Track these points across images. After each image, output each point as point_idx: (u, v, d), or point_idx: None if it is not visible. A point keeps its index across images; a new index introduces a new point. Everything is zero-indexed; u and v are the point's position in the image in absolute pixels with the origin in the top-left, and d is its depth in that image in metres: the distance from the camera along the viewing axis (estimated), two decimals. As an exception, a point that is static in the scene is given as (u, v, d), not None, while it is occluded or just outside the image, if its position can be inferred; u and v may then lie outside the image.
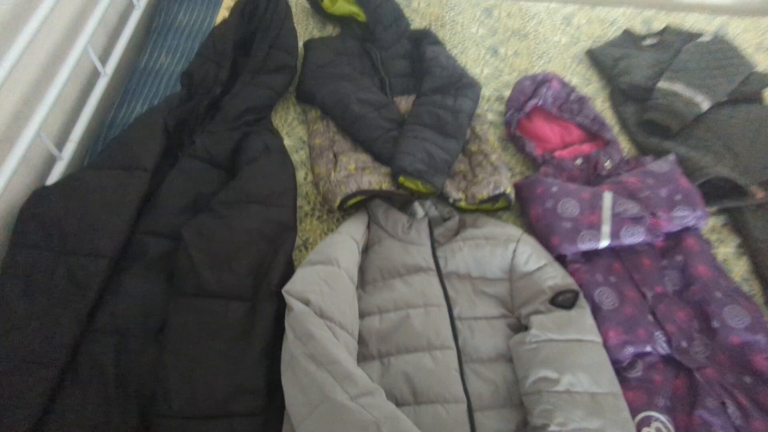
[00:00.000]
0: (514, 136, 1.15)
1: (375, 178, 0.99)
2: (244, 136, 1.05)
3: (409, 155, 1.00)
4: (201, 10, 1.38)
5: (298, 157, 1.13)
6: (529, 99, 1.18)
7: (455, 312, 0.89)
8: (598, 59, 1.36)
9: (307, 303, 0.79)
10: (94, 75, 1.15)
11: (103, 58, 1.18)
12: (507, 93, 1.28)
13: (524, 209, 1.04)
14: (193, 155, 1.01)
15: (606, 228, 0.93)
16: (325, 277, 0.83)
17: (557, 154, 1.12)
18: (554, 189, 0.99)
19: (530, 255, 0.92)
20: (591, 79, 1.34)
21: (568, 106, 1.19)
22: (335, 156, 1.07)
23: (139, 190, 0.93)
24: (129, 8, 1.30)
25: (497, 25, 1.44)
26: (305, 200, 1.06)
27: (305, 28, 1.37)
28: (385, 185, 0.99)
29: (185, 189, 0.96)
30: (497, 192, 0.99)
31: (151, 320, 0.83)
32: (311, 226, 1.03)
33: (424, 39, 1.28)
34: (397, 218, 0.98)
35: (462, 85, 1.15)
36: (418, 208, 1.02)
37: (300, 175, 1.10)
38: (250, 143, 1.03)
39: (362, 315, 0.89)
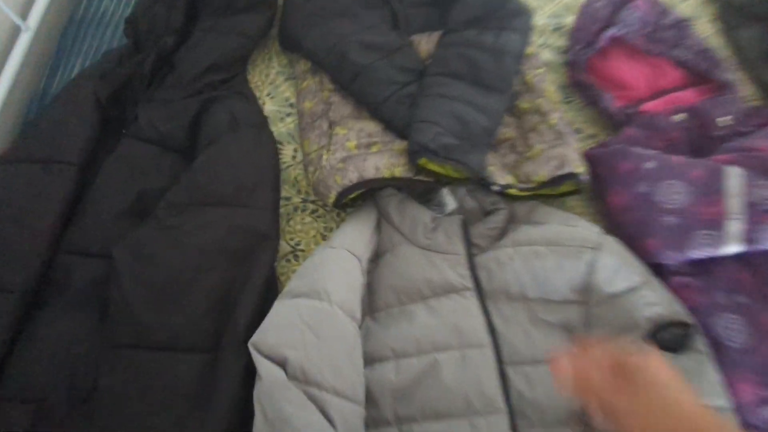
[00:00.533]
0: (582, 82, 0.81)
1: (384, 161, 0.69)
2: (205, 105, 0.77)
3: (433, 124, 0.69)
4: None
5: (284, 127, 0.84)
6: (604, 28, 0.82)
7: (505, 354, 0.62)
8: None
9: (283, 363, 0.54)
10: (14, 31, 0.88)
11: (25, 9, 0.89)
12: (569, 20, 0.92)
13: (600, 192, 0.73)
14: (136, 135, 0.74)
15: (735, 225, 0.61)
16: (309, 320, 0.57)
17: (646, 106, 0.78)
18: (649, 165, 0.67)
19: (617, 269, 0.63)
20: (689, -7, 0.95)
21: (661, 34, 0.83)
22: (330, 126, 0.78)
23: (61, 192, 0.68)
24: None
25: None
26: (293, 189, 0.78)
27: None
28: (399, 170, 0.69)
29: (125, 185, 0.70)
30: (563, 172, 0.68)
31: (78, 380, 0.60)
32: (303, 224, 0.76)
33: None
34: (416, 215, 0.69)
35: (506, 13, 0.80)
36: (448, 198, 0.73)
37: (287, 152, 0.81)
38: (211, 116, 0.75)
39: (372, 360, 0.63)
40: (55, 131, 0.70)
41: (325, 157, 0.71)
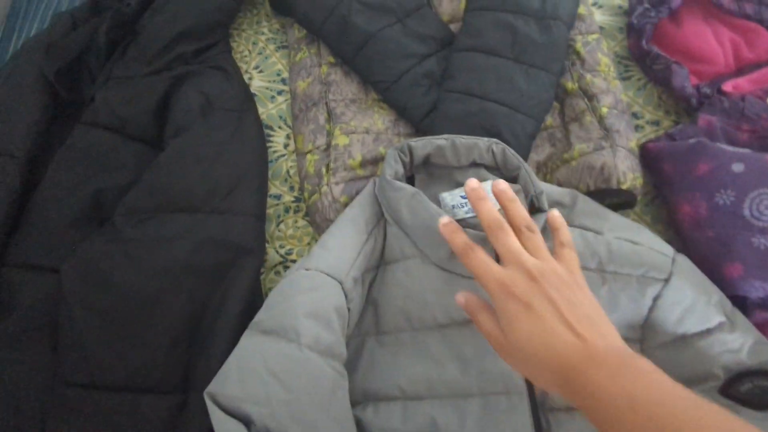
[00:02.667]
0: (647, 53, 0.64)
1: None
2: (174, 84, 0.63)
3: (459, 121, 0.55)
4: None
5: (275, 108, 0.69)
6: (680, -19, 0.64)
7: (539, 397, 0.50)
8: None
9: (247, 423, 0.43)
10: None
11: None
12: (629, -29, 0.73)
13: (666, 196, 0.58)
14: (92, 122, 0.61)
15: None
16: (276, 367, 0.44)
17: (730, 85, 0.61)
18: (736, 168, 0.52)
19: (691, 305, 0.49)
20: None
21: (753, -11, 0.65)
22: (329, 116, 0.63)
23: (1, 191, 0.56)
24: None
25: None
26: (285, 185, 0.65)
27: None
28: None
29: (79, 183, 0.58)
30: (606, 187, 0.54)
31: (24, 425, 0.50)
32: (296, 228, 0.63)
33: None
34: (435, 224, 0.55)
35: None
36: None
37: (278, 140, 0.67)
38: (180, 98, 0.61)
39: (376, 398, 0.52)
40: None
41: (325, 180, 0.57)
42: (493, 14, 0.61)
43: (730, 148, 0.53)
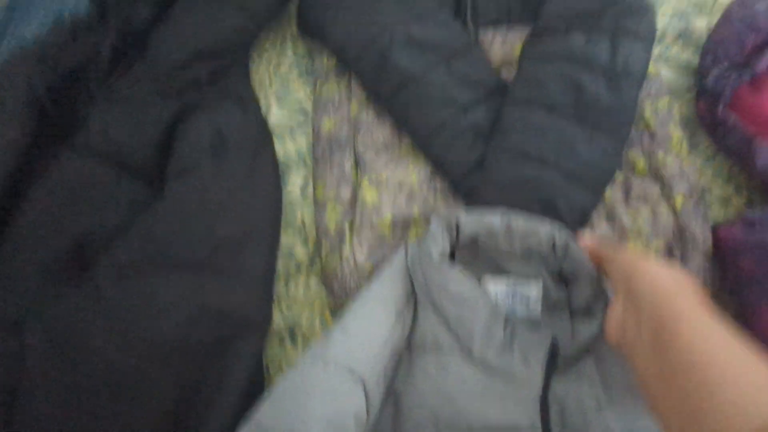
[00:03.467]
0: (722, 121, 0.56)
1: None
2: (183, 112, 0.54)
3: (510, 187, 0.47)
4: None
5: (293, 144, 0.61)
6: (765, 44, 0.57)
7: None
8: None
9: None
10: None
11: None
12: (699, 23, 0.66)
13: (743, 296, 0.50)
14: (84, 149, 0.52)
15: None
16: None
17: (819, 169, 0.53)
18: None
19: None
20: None
21: None
22: (357, 163, 0.55)
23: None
24: None
25: None
26: (298, 237, 0.57)
27: None
28: None
29: (60, 223, 0.49)
30: None
31: None
32: (307, 291, 0.54)
33: None
34: (481, 316, 0.46)
35: (624, 8, 0.55)
36: (531, 288, 0.50)
37: (295, 182, 0.59)
38: (190, 129, 0.52)
39: None
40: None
41: (347, 240, 0.49)
42: (556, 65, 0.53)
43: (828, 251, 0.45)
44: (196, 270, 0.45)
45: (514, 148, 0.51)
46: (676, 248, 0.48)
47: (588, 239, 0.45)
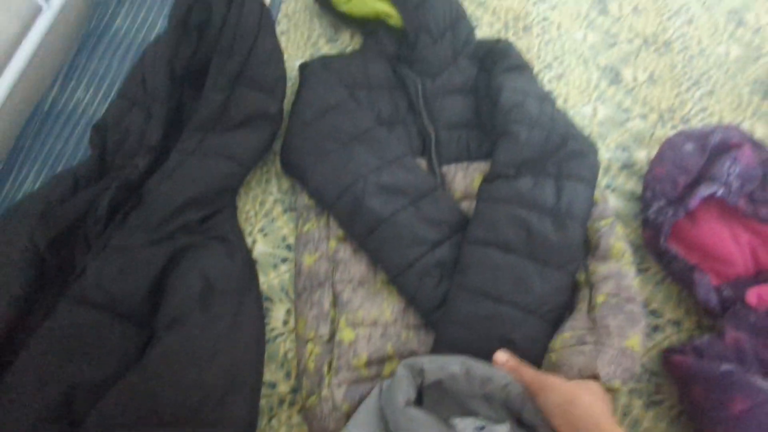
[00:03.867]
0: (666, 252, 0.62)
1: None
2: (173, 259, 0.59)
3: (469, 325, 0.51)
4: (154, 8, 0.90)
5: (276, 277, 0.66)
6: (695, 182, 0.64)
7: None
8: (800, 89, 0.78)
9: None
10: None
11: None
12: (640, 155, 0.74)
13: (697, 422, 0.54)
14: (80, 299, 0.56)
15: None
16: None
17: (754, 295, 0.59)
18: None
19: None
20: (789, 127, 0.78)
21: (768, 193, 0.65)
22: (335, 301, 0.59)
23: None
24: (33, 13, 0.84)
25: (618, 28, 0.88)
26: (281, 371, 0.59)
27: (307, 37, 0.87)
28: None
29: (52, 374, 0.52)
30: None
31: None
32: (289, 426, 0.57)
33: (496, 61, 0.74)
34: None
35: (568, 154, 0.63)
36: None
37: (278, 315, 0.63)
38: (179, 278, 0.57)
39: None
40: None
41: (326, 381, 0.53)
42: (507, 207, 0.59)
43: (766, 386, 0.49)
44: (183, 424, 0.48)
45: (473, 286, 0.55)
46: (590, 341, 0.50)
47: (504, 358, 0.50)
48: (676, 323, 0.62)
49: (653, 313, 0.63)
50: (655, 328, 0.62)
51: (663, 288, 0.64)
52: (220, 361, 0.52)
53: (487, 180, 0.63)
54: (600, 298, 0.55)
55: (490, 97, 0.71)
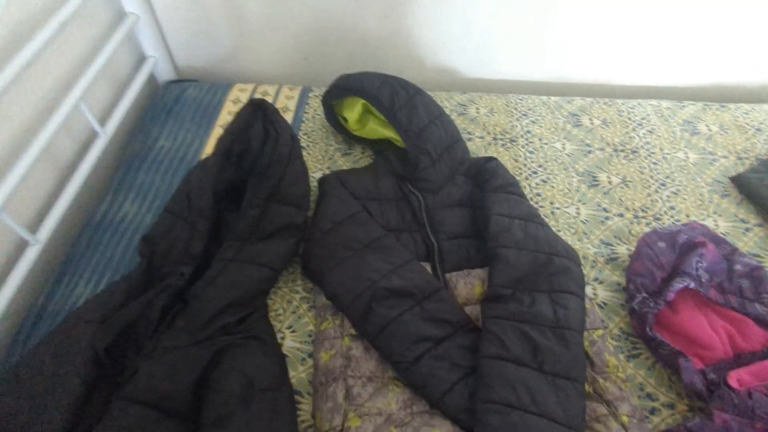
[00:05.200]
0: (652, 339, 0.70)
1: None
2: (215, 358, 0.66)
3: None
4: (192, 129, 1.05)
5: (305, 371, 0.72)
6: (671, 276, 0.74)
7: None
8: (752, 189, 0.91)
9: None
10: (21, 243, 0.81)
11: (38, 219, 0.84)
12: (621, 249, 0.85)
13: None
14: (132, 398, 0.62)
15: None
16: None
17: (735, 378, 0.66)
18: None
19: None
20: (748, 221, 0.89)
21: (734, 285, 0.74)
22: (347, 394, 0.65)
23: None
24: (90, 138, 0.98)
25: (591, 138, 1.03)
26: (311, 463, 0.64)
27: (324, 151, 1.01)
28: None
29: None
30: None
31: None
32: None
33: (486, 179, 0.86)
34: None
35: (555, 270, 0.72)
36: None
37: (307, 408, 0.68)
38: (222, 378, 0.63)
39: None
40: (35, 397, 0.59)
41: None
42: (510, 324, 0.67)
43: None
44: None
45: (499, 399, 0.61)
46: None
47: None
48: (670, 406, 0.68)
49: (649, 396, 0.69)
50: (652, 411, 0.67)
51: (655, 372, 0.71)
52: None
53: (489, 300, 0.71)
54: (624, 418, 0.62)
55: (480, 218, 0.81)
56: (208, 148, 0.99)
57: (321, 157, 1.00)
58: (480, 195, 0.85)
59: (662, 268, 0.74)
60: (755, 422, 0.62)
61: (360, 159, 1.00)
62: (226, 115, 1.08)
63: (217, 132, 1.03)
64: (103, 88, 1.03)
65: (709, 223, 0.88)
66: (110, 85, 1.06)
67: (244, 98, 1.12)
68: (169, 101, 1.11)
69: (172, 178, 0.95)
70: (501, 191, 0.84)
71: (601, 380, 0.65)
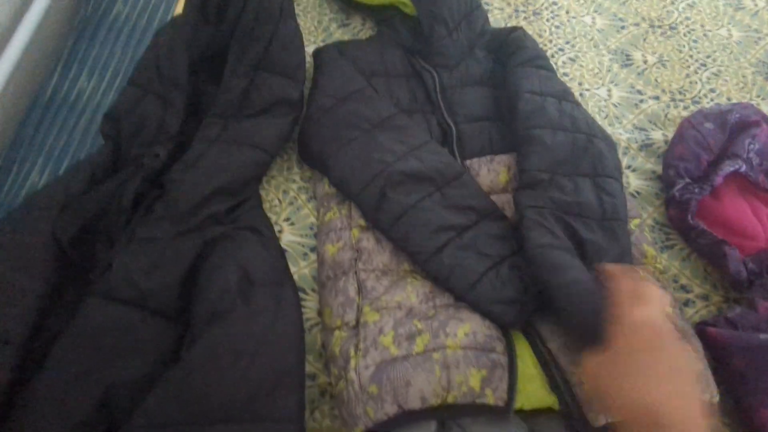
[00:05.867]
0: (693, 227, 0.63)
1: (433, 380, 0.49)
2: (204, 249, 0.57)
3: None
4: (153, -7, 0.86)
5: (307, 267, 0.63)
6: (717, 160, 0.66)
7: None
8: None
9: None
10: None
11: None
12: (656, 135, 0.76)
13: (739, 395, 0.55)
14: (107, 295, 0.53)
15: None
16: None
17: (779, 267, 0.61)
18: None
19: None
20: (795, 107, 0.80)
21: (786, 169, 0.67)
22: (359, 288, 0.58)
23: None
24: (27, -3, 0.79)
25: (625, 12, 0.90)
26: (320, 361, 0.58)
27: (318, 22, 0.85)
28: (454, 395, 0.49)
29: (85, 373, 0.49)
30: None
31: None
32: (333, 418, 0.55)
33: (512, 52, 0.73)
34: None
35: (597, 153, 0.63)
36: None
37: (311, 305, 0.61)
38: (214, 271, 0.54)
39: None
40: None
41: (352, 363, 0.51)
42: (552, 214, 0.58)
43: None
44: (234, 420, 0.46)
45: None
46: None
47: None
48: (705, 297, 0.64)
49: (683, 288, 0.64)
50: (686, 303, 0.63)
51: (689, 264, 0.66)
52: (265, 354, 0.50)
53: (524, 186, 0.61)
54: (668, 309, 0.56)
55: (507, 97, 0.70)
56: (178, 11, 0.82)
57: (314, 29, 0.84)
58: (505, 70, 0.72)
59: (710, 150, 0.66)
60: (799, 311, 0.58)
61: (360, 31, 0.85)
62: (194, -23, 0.89)
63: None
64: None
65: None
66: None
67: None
68: (123, -41, 0.91)
69: (134, 49, 0.79)
70: (529, 65, 0.72)
71: (641, 271, 0.59)
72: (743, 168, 0.64)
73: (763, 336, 0.53)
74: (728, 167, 0.63)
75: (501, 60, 0.75)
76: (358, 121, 0.66)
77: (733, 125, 0.67)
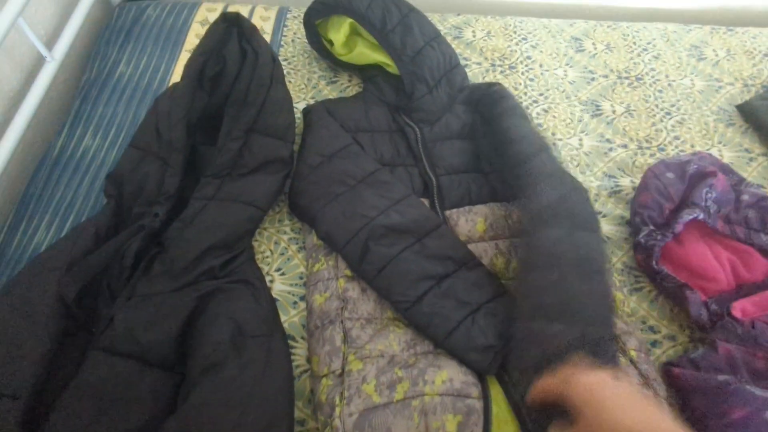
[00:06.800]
0: (658, 272, 0.68)
1: (413, 424, 0.52)
2: (200, 303, 0.61)
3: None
4: (155, 53, 0.93)
5: (297, 315, 0.67)
6: (678, 208, 0.71)
7: None
8: (758, 117, 0.87)
9: None
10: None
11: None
12: (624, 182, 0.81)
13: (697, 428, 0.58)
14: (109, 348, 0.57)
15: None
16: None
17: (738, 309, 0.65)
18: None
19: None
20: (752, 150, 0.86)
21: (740, 215, 0.72)
22: (345, 337, 0.62)
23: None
24: (38, 63, 0.85)
25: (595, 65, 0.96)
26: (309, 407, 0.61)
27: (307, 80, 0.91)
28: (448, 429, 0.52)
29: (88, 424, 0.52)
30: None
31: None
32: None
33: (493, 103, 0.79)
34: None
35: (577, 203, 0.66)
36: None
37: (301, 352, 0.65)
38: (209, 325, 0.58)
39: None
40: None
41: (337, 411, 0.55)
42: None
43: (760, 393, 0.55)
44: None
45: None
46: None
47: None
48: (672, 338, 0.67)
49: (651, 328, 0.68)
50: (654, 343, 0.67)
51: (657, 305, 0.70)
52: (257, 403, 0.53)
53: (526, 230, 0.64)
54: (632, 353, 0.60)
55: (496, 143, 0.74)
56: (176, 76, 0.88)
57: (303, 86, 0.90)
58: (489, 120, 0.78)
59: (671, 199, 0.71)
60: (758, 352, 0.61)
61: (347, 88, 0.91)
62: (193, 39, 0.96)
63: (184, 57, 0.92)
64: (46, 5, 0.89)
65: (714, 153, 0.85)
66: (55, 2, 0.92)
67: (213, 19, 0.99)
68: (127, 23, 0.98)
69: (136, 108, 0.85)
70: (516, 116, 0.77)
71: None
72: (701, 216, 0.68)
73: (721, 377, 0.57)
74: (687, 216, 0.68)
75: (481, 111, 0.81)
76: (343, 177, 0.71)
77: (692, 175, 0.72)
